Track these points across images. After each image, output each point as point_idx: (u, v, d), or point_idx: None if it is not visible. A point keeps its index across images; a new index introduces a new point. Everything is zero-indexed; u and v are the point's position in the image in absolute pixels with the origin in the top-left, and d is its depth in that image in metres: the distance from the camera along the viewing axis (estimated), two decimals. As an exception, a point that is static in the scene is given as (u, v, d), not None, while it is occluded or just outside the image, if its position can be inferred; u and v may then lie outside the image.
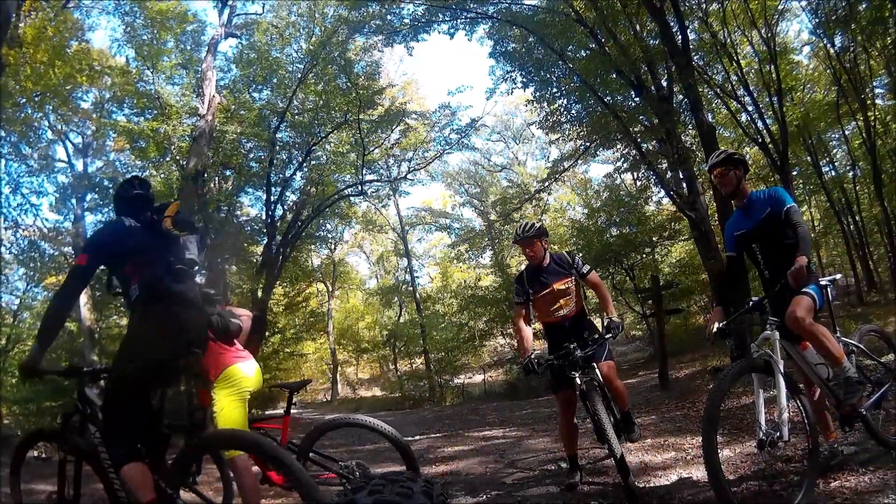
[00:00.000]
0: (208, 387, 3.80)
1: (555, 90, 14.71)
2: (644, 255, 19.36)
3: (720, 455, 4.54)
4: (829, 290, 3.74)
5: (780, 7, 16.85)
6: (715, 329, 3.71)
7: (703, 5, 15.05)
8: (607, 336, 4.44)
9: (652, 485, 4.47)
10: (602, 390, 4.28)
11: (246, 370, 3.90)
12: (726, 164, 3.90)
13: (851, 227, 20.24)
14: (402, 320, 29.64)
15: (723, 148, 4.75)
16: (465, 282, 28.18)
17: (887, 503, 3.01)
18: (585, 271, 4.74)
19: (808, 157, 19.96)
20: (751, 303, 3.68)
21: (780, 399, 3.19)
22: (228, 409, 3.73)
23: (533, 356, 4.40)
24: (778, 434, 3.11)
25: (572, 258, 4.80)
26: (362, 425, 4.55)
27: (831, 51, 17.71)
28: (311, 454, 4.27)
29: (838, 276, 4.67)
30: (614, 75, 12.70)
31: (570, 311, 4.72)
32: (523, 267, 5.11)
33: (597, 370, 4.31)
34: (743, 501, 3.50)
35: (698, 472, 4.63)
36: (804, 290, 3.44)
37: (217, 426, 3.67)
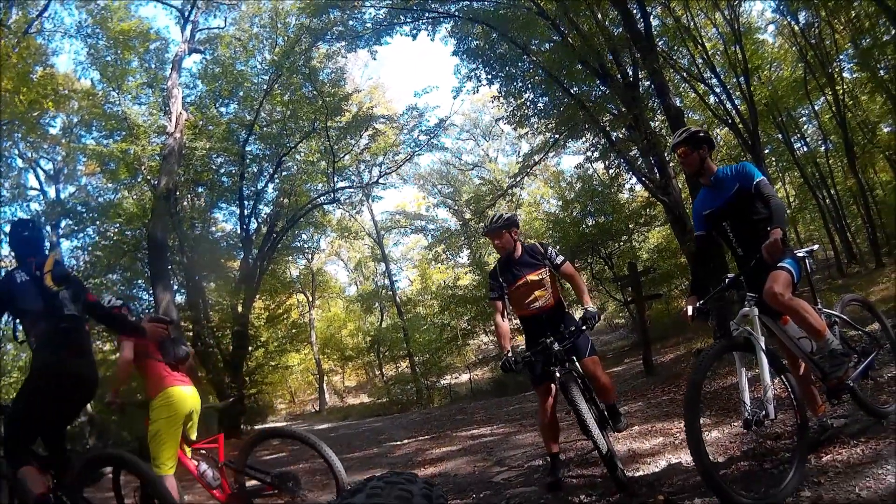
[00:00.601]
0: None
1: (520, 84, 14.65)
2: (621, 243, 19.37)
3: (709, 437, 4.61)
4: (807, 261, 3.69)
5: (742, -13, 16.94)
6: (691, 311, 3.64)
7: (665, -10, 15.13)
8: (583, 327, 4.28)
9: (640, 473, 4.44)
10: (583, 383, 4.19)
11: (184, 392, 4.39)
12: (689, 143, 3.81)
13: (827, 200, 20.38)
14: (384, 325, 29.58)
15: (686, 126, 4.64)
16: (444, 282, 28.26)
17: (880, 473, 2.96)
18: (559, 262, 4.58)
19: (780, 135, 20.12)
20: (727, 280, 3.59)
21: (764, 376, 3.14)
22: (165, 428, 4.22)
23: (510, 354, 4.25)
24: (764, 412, 3.06)
25: (545, 249, 4.66)
26: (293, 436, 4.88)
27: (796, 28, 17.87)
28: (246, 467, 4.47)
29: (815, 246, 4.57)
30: (579, 66, 12.67)
31: (545, 303, 4.56)
32: (496, 261, 4.95)
33: (576, 363, 4.23)
34: (733, 482, 3.37)
35: (687, 457, 4.58)
36: (780, 264, 3.37)
37: (149, 441, 4.22)
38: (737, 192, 3.64)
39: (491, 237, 4.66)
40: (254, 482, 4.44)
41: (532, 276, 4.54)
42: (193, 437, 4.60)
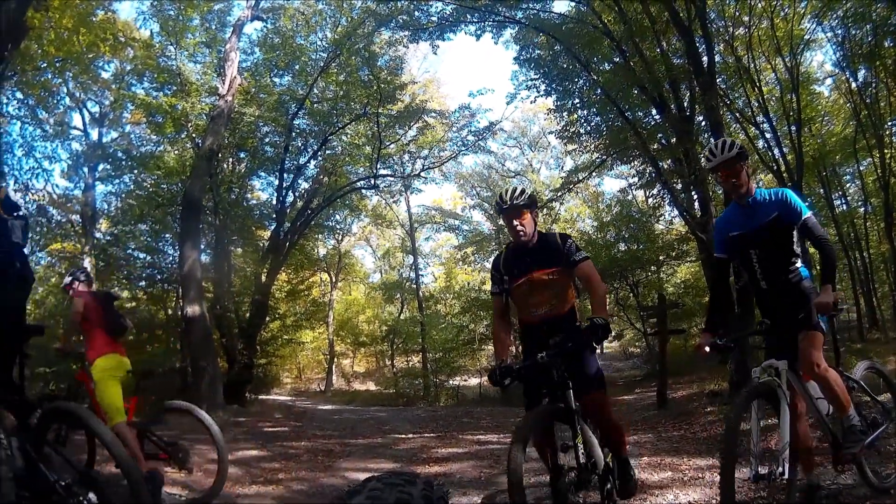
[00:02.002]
0: (86, 369, 5.15)
1: (576, 101, 14.69)
2: (650, 273, 19.34)
3: (715, 478, 4.54)
4: (833, 320, 3.70)
5: (805, 37, 16.84)
6: (708, 347, 3.44)
7: (730, 29, 15.08)
8: (589, 341, 3.49)
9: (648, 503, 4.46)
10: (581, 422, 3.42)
11: (123, 360, 5.29)
12: (741, 158, 3.44)
13: (858, 262, 20.18)
14: (402, 317, 29.42)
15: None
16: (468, 284, 28.16)
17: None
18: (578, 258, 3.63)
19: (821, 189, 19.91)
20: (759, 325, 3.49)
21: (784, 431, 3.03)
22: (111, 383, 5.04)
23: (502, 364, 3.47)
24: (780, 469, 2.94)
25: (564, 240, 3.71)
26: (190, 413, 5.51)
27: (853, 85, 17.69)
28: (147, 433, 5.26)
29: (846, 305, 4.49)
30: (637, 91, 12.68)
31: (553, 311, 3.69)
32: (504, 246, 4.04)
33: (570, 397, 3.35)
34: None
35: (695, 494, 4.65)
36: (813, 322, 3.22)
37: (99, 396, 4.98)
38: (774, 220, 3.37)
39: (509, 216, 3.65)
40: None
41: (539, 275, 3.66)
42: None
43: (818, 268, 3.71)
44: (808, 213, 3.32)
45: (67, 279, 5.60)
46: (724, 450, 2.97)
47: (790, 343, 3.28)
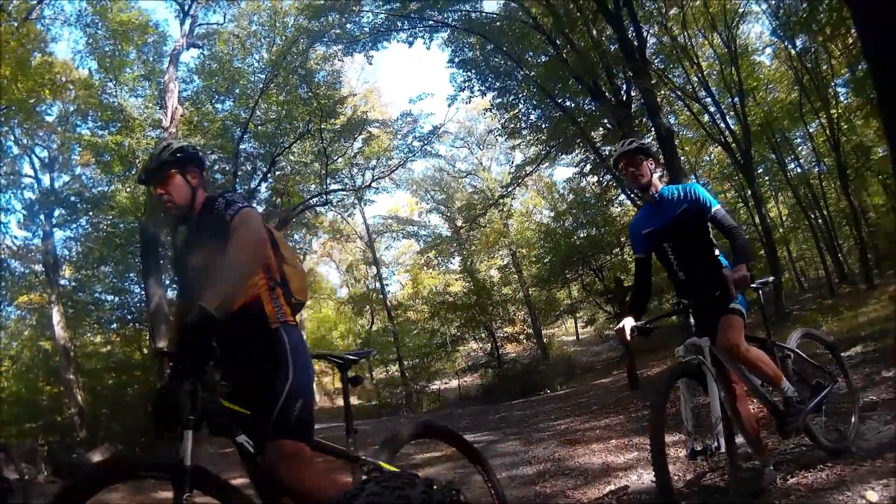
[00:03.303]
0: None
1: (512, 97, 14.70)
2: (612, 256, 19.40)
3: (679, 454, 4.49)
4: (760, 293, 3.70)
5: (739, 10, 17.02)
6: (629, 330, 3.33)
7: (663, 10, 15.19)
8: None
9: (611, 487, 4.45)
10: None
11: None
12: (641, 152, 3.45)
13: (819, 221, 20.41)
14: (374, 328, 29.35)
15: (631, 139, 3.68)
16: (434, 288, 28.23)
17: (842, 499, 2.97)
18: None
19: (773, 155, 20.16)
20: (680, 304, 3.34)
21: (715, 407, 2.99)
22: None
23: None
24: (715, 444, 2.89)
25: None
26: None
27: (792, 52, 17.89)
28: None
29: (771, 278, 4.47)
30: (572, 81, 12.70)
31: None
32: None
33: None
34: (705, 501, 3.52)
35: None
36: (732, 305, 3.26)
37: None
38: (683, 212, 3.39)
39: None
40: None
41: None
42: None
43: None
44: (716, 206, 3.35)
45: None
46: (652, 432, 2.93)
47: (710, 323, 3.26)
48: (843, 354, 4.33)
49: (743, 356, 3.22)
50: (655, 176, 3.48)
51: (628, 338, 3.37)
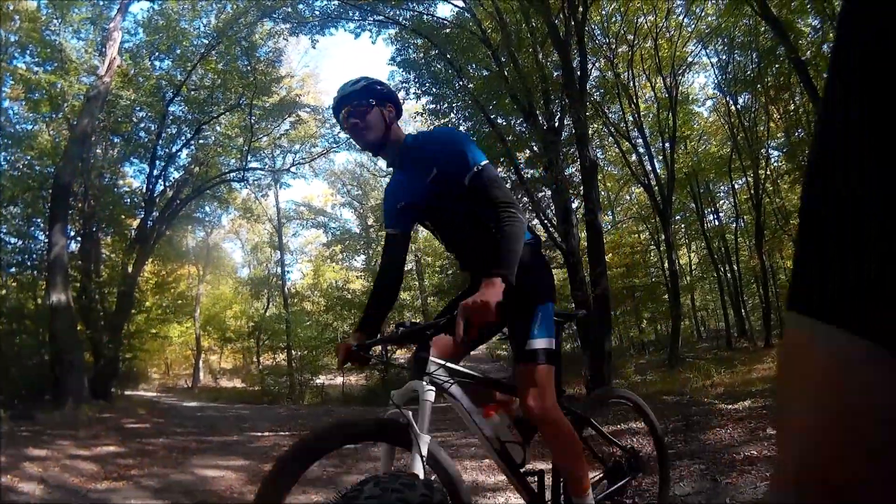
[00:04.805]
0: None
1: (446, 105, 14.78)
2: (517, 280, 19.56)
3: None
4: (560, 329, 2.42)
5: (689, 59, 17.60)
6: (343, 353, 2.26)
7: (613, 46, 15.58)
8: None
9: None
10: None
11: None
12: (372, 94, 2.28)
13: (728, 275, 21.19)
14: (268, 314, 28.66)
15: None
16: (335, 282, 28.03)
17: None
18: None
19: (693, 205, 20.84)
20: (398, 330, 2.11)
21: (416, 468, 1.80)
22: None
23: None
24: None
25: None
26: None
27: (733, 108, 18.61)
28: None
29: (582, 312, 3.92)
30: (508, 99, 12.86)
31: None
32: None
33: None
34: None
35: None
36: (531, 342, 2.15)
37: None
38: (436, 178, 2.23)
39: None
40: None
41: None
42: None
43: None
44: (482, 162, 2.15)
45: None
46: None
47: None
48: (730, 406, 3.71)
49: (550, 420, 2.16)
50: (399, 128, 2.38)
51: (343, 364, 2.29)
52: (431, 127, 15.78)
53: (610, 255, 18.56)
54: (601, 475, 2.64)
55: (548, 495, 2.39)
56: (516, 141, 13.38)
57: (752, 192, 18.83)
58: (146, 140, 16.49)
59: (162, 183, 17.04)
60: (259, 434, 10.14)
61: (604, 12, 15.14)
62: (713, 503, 3.33)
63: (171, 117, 16.48)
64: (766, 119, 18.50)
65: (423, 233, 28.47)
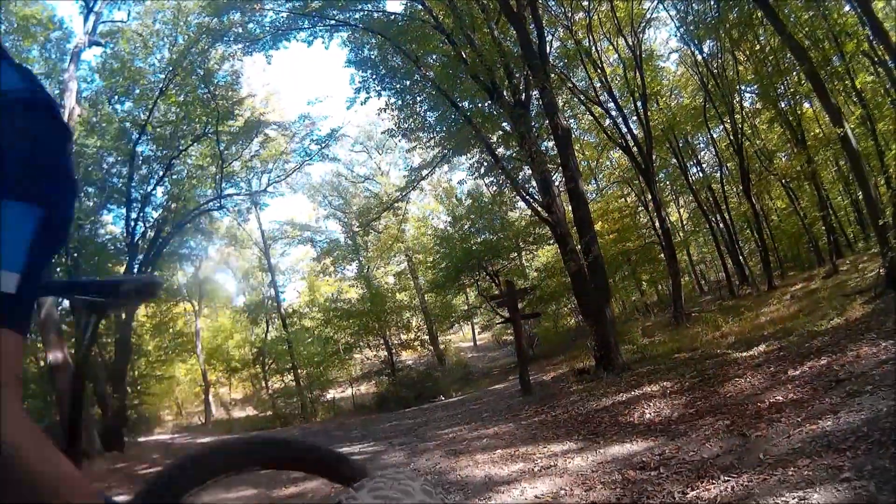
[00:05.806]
0: None
1: (410, 98, 14.64)
2: (509, 261, 19.46)
3: (570, 464, 4.50)
4: None
5: (647, 16, 17.42)
6: None
7: (570, 14, 15.41)
8: None
9: (493, 502, 4.26)
10: None
11: None
12: None
13: (720, 224, 20.99)
14: (270, 337, 28.51)
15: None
16: (330, 295, 27.97)
17: None
18: None
19: (674, 160, 20.67)
20: None
21: None
22: None
23: None
24: None
25: None
26: None
27: (699, 57, 18.44)
28: None
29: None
30: (469, 81, 12.71)
31: None
32: None
33: None
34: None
35: (544, 486, 4.48)
36: None
37: None
38: None
39: None
40: None
41: None
42: None
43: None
44: None
45: None
46: None
47: None
48: (744, 354, 3.77)
49: None
50: None
51: None
52: (396, 122, 15.67)
53: (599, 223, 18.41)
54: None
55: None
56: (486, 123, 13.21)
57: (732, 137, 18.67)
58: (119, 184, 16.33)
59: (142, 224, 16.87)
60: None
61: (555, -20, 14.99)
62: (745, 461, 3.17)
63: (140, 158, 16.31)
64: (733, 62, 18.33)
65: (411, 231, 28.38)
